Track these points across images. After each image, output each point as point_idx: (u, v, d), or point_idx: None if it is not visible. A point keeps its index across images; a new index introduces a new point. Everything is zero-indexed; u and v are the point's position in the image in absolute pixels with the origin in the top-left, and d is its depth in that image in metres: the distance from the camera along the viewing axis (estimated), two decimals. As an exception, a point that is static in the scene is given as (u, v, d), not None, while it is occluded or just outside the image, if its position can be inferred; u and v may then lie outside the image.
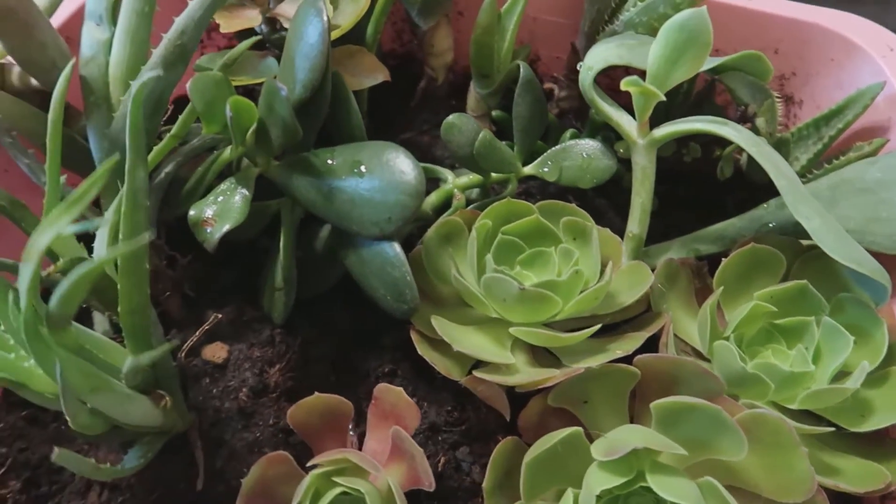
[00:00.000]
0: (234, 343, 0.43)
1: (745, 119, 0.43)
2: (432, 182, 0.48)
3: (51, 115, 0.31)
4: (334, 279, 0.44)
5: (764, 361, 0.38)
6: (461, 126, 0.42)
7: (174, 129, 0.37)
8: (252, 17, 0.43)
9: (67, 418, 0.30)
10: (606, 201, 0.51)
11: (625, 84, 0.38)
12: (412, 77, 0.55)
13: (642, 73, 0.40)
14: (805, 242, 0.42)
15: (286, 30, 0.45)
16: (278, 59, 0.46)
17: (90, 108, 0.38)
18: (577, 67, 0.42)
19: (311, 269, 0.44)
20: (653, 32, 0.45)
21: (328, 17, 0.36)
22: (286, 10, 0.44)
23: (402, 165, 0.36)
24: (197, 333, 0.41)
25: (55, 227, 0.24)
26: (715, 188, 0.50)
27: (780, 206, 0.44)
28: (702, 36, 0.37)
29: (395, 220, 0.36)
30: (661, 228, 0.49)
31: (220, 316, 0.42)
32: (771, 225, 0.44)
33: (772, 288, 0.40)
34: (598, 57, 0.41)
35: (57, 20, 0.44)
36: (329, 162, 0.38)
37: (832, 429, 0.36)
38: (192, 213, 0.38)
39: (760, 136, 0.43)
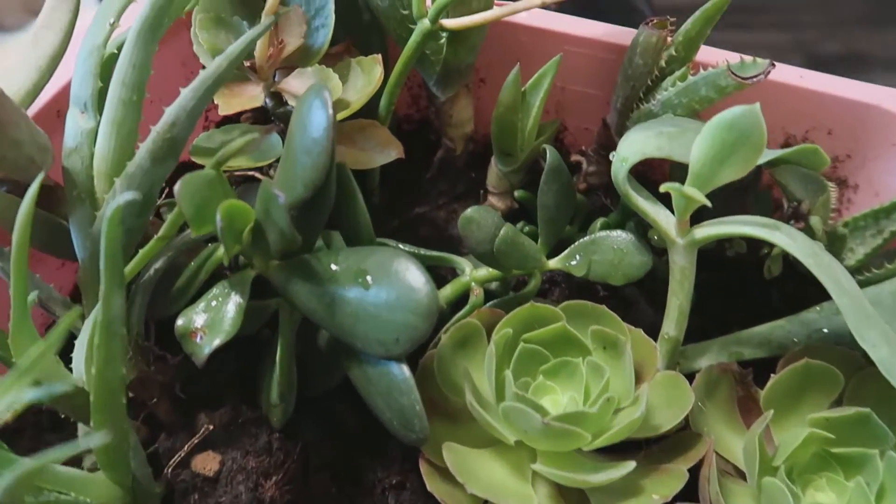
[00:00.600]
0: (228, 450, 0.39)
1: (797, 216, 0.39)
2: (449, 271, 0.44)
3: (15, 237, 0.27)
4: (339, 379, 0.40)
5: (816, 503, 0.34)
6: (480, 221, 0.38)
7: (162, 230, 0.33)
8: (254, 96, 0.40)
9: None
10: (638, 289, 0.46)
11: (664, 188, 0.34)
12: (429, 144, 0.52)
13: (683, 166, 0.35)
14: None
15: (291, 105, 0.42)
16: (283, 134, 0.43)
17: (73, 202, 0.35)
18: (610, 157, 0.38)
19: (314, 366, 0.41)
20: (693, 114, 0.41)
21: (333, 111, 0.33)
22: (292, 86, 0.41)
23: (413, 280, 0.32)
24: (185, 448, 0.38)
25: (6, 399, 0.21)
26: (759, 278, 0.46)
27: (836, 311, 0.39)
28: (754, 136, 0.32)
29: (403, 343, 0.32)
30: (699, 323, 0.44)
31: (211, 427, 0.38)
32: (824, 331, 0.40)
33: (828, 413, 0.35)
34: (634, 148, 0.37)
35: (45, 96, 0.40)
36: (332, 267, 0.34)
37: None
38: (179, 322, 0.34)
39: (816, 238, 0.38)
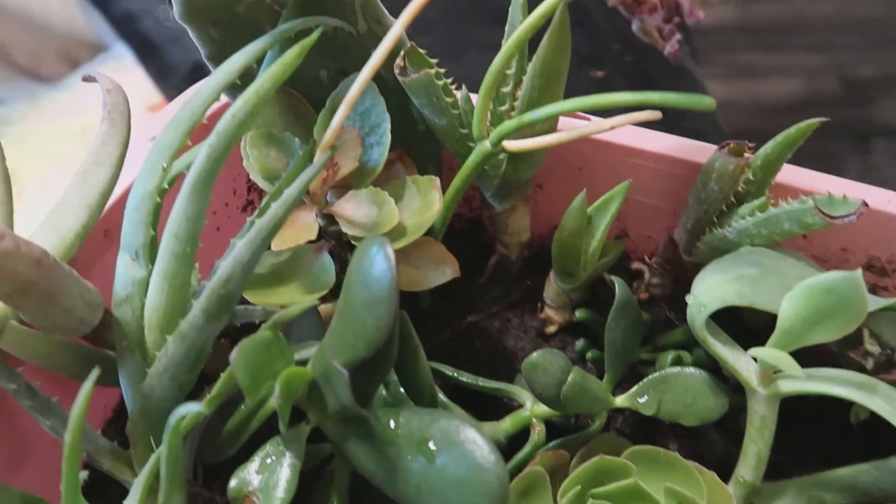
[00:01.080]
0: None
1: (890, 365, 0.36)
2: (507, 404, 0.42)
3: (68, 447, 0.25)
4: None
5: None
6: (546, 367, 0.35)
7: (214, 390, 0.32)
8: (308, 225, 0.38)
9: None
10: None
11: (753, 353, 0.31)
12: (481, 246, 0.50)
13: (767, 315, 0.33)
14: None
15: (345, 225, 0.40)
16: (333, 253, 0.41)
17: (122, 352, 0.33)
18: (687, 300, 0.36)
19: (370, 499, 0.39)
20: (772, 245, 0.38)
21: (396, 265, 0.31)
22: (346, 210, 0.39)
23: (482, 458, 0.29)
24: None
25: None
26: (841, 409, 0.43)
27: (930, 463, 0.37)
28: (854, 305, 0.30)
29: (472, 524, 0.30)
30: (775, 456, 0.41)
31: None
32: (916, 482, 0.37)
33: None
34: (713, 294, 0.35)
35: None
36: (391, 425, 0.32)
37: None
38: (233, 484, 0.32)
39: (912, 391, 0.35)
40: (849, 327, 0.30)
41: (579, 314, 0.44)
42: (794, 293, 0.31)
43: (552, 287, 0.45)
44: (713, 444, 0.42)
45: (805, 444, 0.42)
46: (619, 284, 0.37)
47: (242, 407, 0.36)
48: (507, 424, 0.40)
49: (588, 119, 0.43)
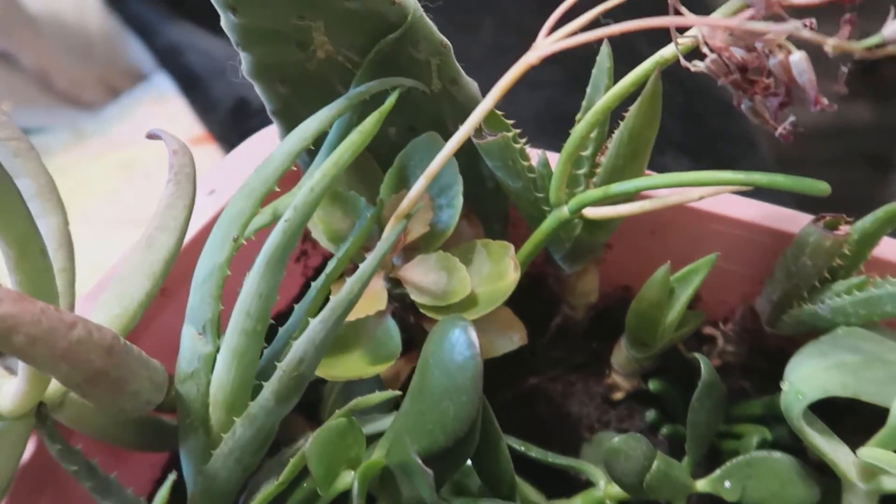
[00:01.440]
0: None
1: None
2: (577, 481, 0.40)
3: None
4: None
5: None
6: (629, 453, 0.33)
7: (282, 476, 0.30)
8: (377, 294, 0.36)
9: None
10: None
11: (861, 456, 0.29)
12: (544, 304, 0.47)
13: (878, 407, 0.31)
14: None
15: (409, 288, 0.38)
16: (395, 314, 0.40)
17: (185, 430, 0.32)
18: (782, 385, 0.33)
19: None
20: (869, 325, 0.36)
21: (479, 350, 0.29)
22: (413, 276, 0.37)
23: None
24: None
25: None
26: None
27: None
28: (982, 411, 0.27)
29: None
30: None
31: None
32: None
33: None
34: (813, 382, 0.32)
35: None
36: (471, 517, 0.30)
37: None
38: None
39: None
40: (972, 433, 0.28)
41: (653, 386, 0.42)
42: (911, 391, 0.29)
43: (622, 353, 0.42)
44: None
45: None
46: (704, 363, 0.35)
47: (304, 485, 0.34)
48: (578, 503, 0.38)
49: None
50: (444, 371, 0.30)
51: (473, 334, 0.30)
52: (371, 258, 0.32)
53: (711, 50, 0.28)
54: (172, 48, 0.85)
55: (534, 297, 0.48)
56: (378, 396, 0.30)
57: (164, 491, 0.25)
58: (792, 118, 0.27)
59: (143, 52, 0.93)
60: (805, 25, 0.26)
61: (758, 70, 0.27)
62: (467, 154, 0.40)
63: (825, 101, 0.25)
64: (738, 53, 0.27)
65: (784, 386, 0.33)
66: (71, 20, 1.02)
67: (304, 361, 0.30)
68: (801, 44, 0.25)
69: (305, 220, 0.30)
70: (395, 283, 0.39)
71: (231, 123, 0.62)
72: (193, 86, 0.80)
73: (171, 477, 0.25)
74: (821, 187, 0.28)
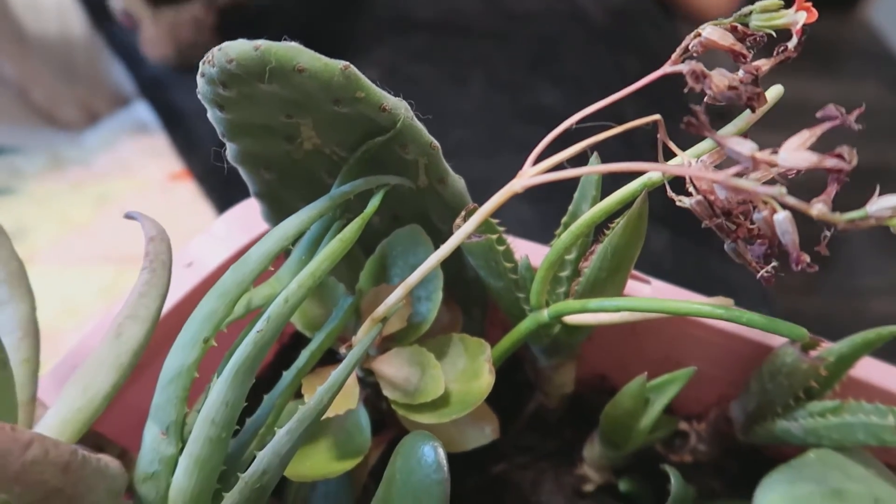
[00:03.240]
0: None
1: None
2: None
3: None
4: None
5: None
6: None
7: (240, 591, 0.29)
8: (349, 392, 0.36)
9: None
10: None
11: None
12: (519, 386, 0.47)
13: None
14: None
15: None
16: (367, 401, 0.39)
17: (142, 536, 0.31)
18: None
19: None
20: (841, 449, 0.36)
21: (448, 472, 0.28)
22: (386, 370, 0.36)
23: None
24: None
25: None
26: None
27: None
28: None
29: None
30: None
31: None
32: None
33: None
34: (784, 513, 0.32)
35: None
36: None
37: None
38: None
39: None
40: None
41: (623, 486, 0.41)
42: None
43: (595, 449, 0.42)
44: None
45: None
46: (674, 477, 0.35)
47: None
48: None
49: (649, 282, 0.41)
50: (409, 490, 0.29)
51: (443, 454, 0.29)
52: (344, 365, 0.31)
53: (697, 191, 0.28)
54: (157, 80, 0.83)
55: (509, 380, 0.48)
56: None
57: None
58: (774, 263, 0.27)
59: (126, 79, 0.92)
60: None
61: (742, 215, 0.27)
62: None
63: (807, 259, 0.25)
64: (723, 197, 0.27)
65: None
66: (56, 37, 1.01)
67: (267, 473, 0.29)
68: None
69: (278, 330, 0.29)
70: (368, 372, 0.39)
71: (211, 163, 0.61)
72: (175, 121, 0.79)
73: None
74: (798, 333, 0.28)
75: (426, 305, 0.38)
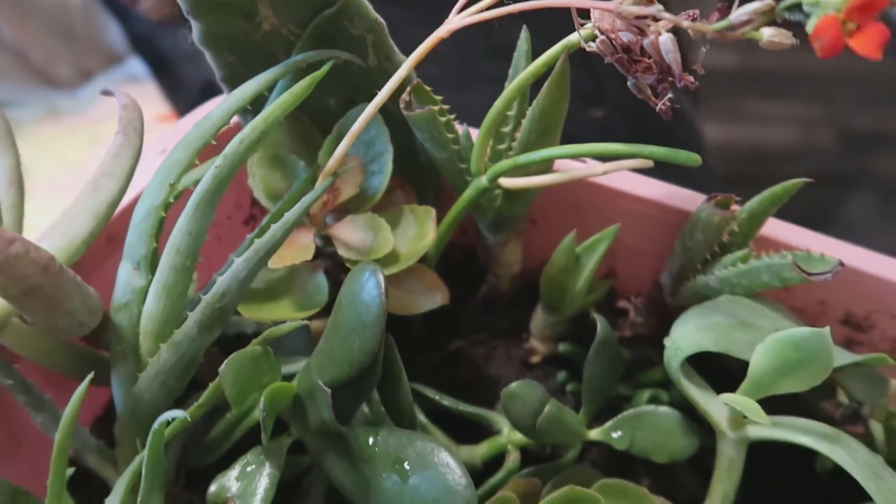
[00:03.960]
0: None
1: (855, 417, 0.37)
2: (485, 429, 0.43)
3: (56, 444, 0.27)
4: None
5: None
6: (524, 397, 0.37)
7: (202, 398, 0.33)
8: (305, 246, 0.39)
9: None
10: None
11: (723, 399, 0.33)
12: (475, 275, 0.51)
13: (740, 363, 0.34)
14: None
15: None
16: (329, 272, 0.43)
17: (116, 356, 0.35)
18: (665, 343, 0.37)
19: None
20: (752, 295, 0.40)
21: (385, 291, 0.32)
22: (343, 234, 0.40)
23: (454, 480, 0.31)
24: None
25: None
26: (811, 458, 0.44)
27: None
28: (821, 360, 0.31)
29: (439, 544, 0.31)
30: (743, 501, 0.43)
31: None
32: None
33: None
34: (690, 339, 0.36)
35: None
36: (369, 443, 0.33)
37: None
38: (213, 489, 0.34)
39: (876, 445, 0.36)
40: (815, 380, 0.32)
41: (562, 347, 0.45)
42: (765, 345, 0.32)
43: (539, 319, 0.46)
44: (684, 485, 0.43)
45: (774, 492, 0.43)
46: (600, 322, 0.39)
47: (228, 416, 0.37)
48: (483, 449, 0.41)
49: (584, 162, 0.45)
50: (353, 309, 0.33)
51: (381, 277, 0.33)
52: (297, 207, 0.35)
53: (601, 32, 0.31)
54: (148, 34, 0.88)
55: (466, 269, 0.52)
56: (288, 326, 0.33)
57: (81, 388, 0.28)
58: (670, 95, 0.31)
59: (119, 36, 0.96)
60: (688, 16, 0.29)
61: (640, 51, 0.31)
62: (403, 130, 0.43)
63: (690, 78, 0.29)
64: (624, 37, 0.31)
65: (666, 342, 0.37)
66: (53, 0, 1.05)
67: (226, 295, 0.33)
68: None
69: (234, 167, 0.33)
70: (327, 242, 0.42)
71: (197, 103, 0.65)
72: (164, 68, 0.83)
73: (90, 376, 0.28)
74: (693, 158, 0.32)
75: (378, 178, 0.42)
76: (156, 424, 0.26)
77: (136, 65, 0.95)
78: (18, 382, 0.33)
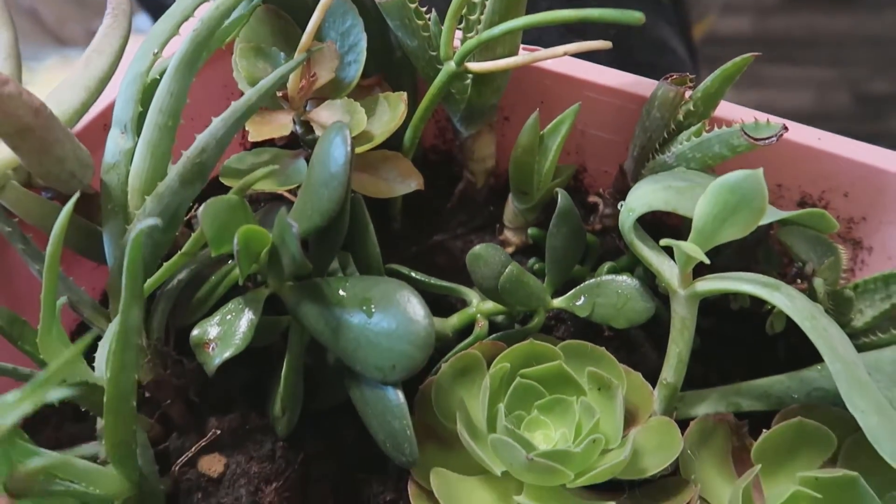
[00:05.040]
0: (234, 454, 0.41)
1: (801, 276, 0.39)
2: (458, 302, 0.46)
3: (49, 250, 0.30)
4: (345, 396, 0.42)
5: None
6: (487, 258, 0.39)
7: (185, 246, 0.36)
8: (284, 125, 0.42)
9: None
10: (644, 332, 0.47)
11: (665, 242, 0.35)
12: (452, 176, 0.53)
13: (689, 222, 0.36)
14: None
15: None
16: (307, 159, 0.45)
17: (107, 214, 0.38)
18: (619, 206, 0.39)
19: (321, 380, 0.42)
20: (706, 169, 0.42)
21: (352, 148, 0.35)
22: (321, 116, 0.43)
23: (413, 312, 0.33)
24: (192, 449, 0.40)
25: (20, 410, 0.23)
26: (765, 329, 0.46)
27: (836, 373, 0.40)
28: (755, 201, 0.33)
29: (400, 370, 0.33)
30: (701, 370, 0.45)
31: (218, 432, 0.40)
32: (824, 389, 0.40)
33: (817, 473, 0.36)
34: (642, 200, 0.38)
35: (93, 111, 0.43)
36: (340, 293, 0.36)
37: None
38: (195, 332, 0.36)
39: (818, 299, 0.39)
40: (752, 223, 0.34)
41: (531, 231, 0.47)
42: (707, 193, 0.34)
43: (510, 208, 0.48)
44: (646, 357, 0.45)
45: (729, 362, 0.46)
46: (561, 195, 0.41)
47: (212, 279, 0.40)
48: (454, 321, 0.43)
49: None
50: (322, 164, 0.36)
51: (347, 133, 0.35)
52: (272, 76, 0.37)
53: None
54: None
55: (444, 171, 0.54)
56: (262, 172, 0.36)
57: (69, 205, 0.30)
58: None
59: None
60: None
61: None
62: (380, 27, 0.46)
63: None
64: None
65: (620, 206, 0.39)
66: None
67: (205, 151, 0.36)
68: None
69: (212, 31, 0.36)
70: (307, 130, 0.45)
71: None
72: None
73: (76, 196, 0.31)
74: (635, 17, 0.34)
75: (354, 67, 0.44)
76: (130, 235, 0.29)
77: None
78: (17, 232, 0.36)
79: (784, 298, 0.35)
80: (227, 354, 0.35)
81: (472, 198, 0.52)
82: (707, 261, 0.34)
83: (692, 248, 0.34)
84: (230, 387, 0.44)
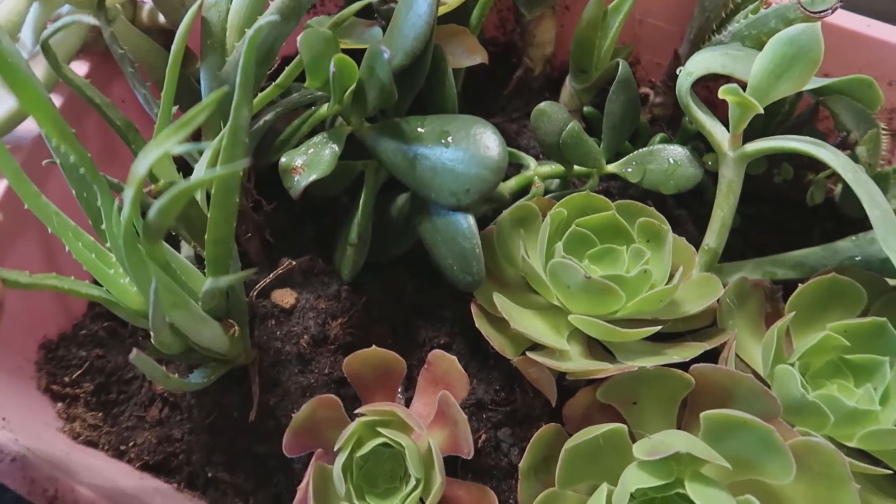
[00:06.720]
0: (303, 291, 0.44)
1: (844, 146, 0.42)
2: (514, 168, 0.49)
3: (173, 48, 0.33)
4: (405, 247, 0.46)
5: (826, 393, 0.37)
6: (551, 114, 0.42)
7: (279, 79, 0.39)
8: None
9: (151, 333, 0.32)
10: (687, 212, 0.50)
11: (723, 92, 0.37)
12: (510, 66, 0.56)
13: (744, 86, 0.39)
14: (892, 282, 0.41)
15: (395, 2, 0.46)
16: (384, 30, 0.48)
17: (206, 50, 0.41)
18: (677, 72, 0.42)
19: (384, 234, 0.46)
20: (760, 46, 0.44)
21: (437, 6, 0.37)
22: None
23: (488, 141, 0.36)
24: (270, 276, 0.43)
25: (164, 146, 0.26)
26: (803, 215, 0.49)
27: (870, 241, 0.42)
28: (811, 52, 0.36)
29: (473, 193, 0.37)
30: (740, 248, 0.48)
31: (293, 263, 0.44)
32: (857, 259, 0.43)
33: (847, 321, 0.38)
34: (700, 64, 0.41)
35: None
36: (418, 129, 0.39)
37: (889, 471, 0.34)
38: (283, 160, 0.40)
39: (859, 164, 0.41)
40: (807, 76, 0.36)
41: (587, 110, 0.50)
42: (764, 49, 0.37)
43: (567, 90, 0.51)
44: (687, 234, 0.48)
45: (767, 241, 0.48)
46: (622, 64, 0.44)
47: (295, 122, 0.43)
48: (511, 183, 0.46)
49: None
50: (408, 7, 0.39)
51: (435, -7, 0.38)
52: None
53: None
54: None
55: (503, 61, 0.57)
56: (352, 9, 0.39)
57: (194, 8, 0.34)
58: None
59: None
60: None
61: None
62: None
63: None
64: None
65: (678, 71, 0.42)
66: None
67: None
68: None
69: None
70: (383, 0, 0.48)
71: None
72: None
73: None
74: None
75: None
76: (249, 33, 0.32)
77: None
78: (126, 56, 0.39)
79: (829, 154, 0.37)
80: (313, 177, 0.38)
81: (529, 84, 0.54)
82: (762, 110, 0.37)
83: (750, 99, 0.37)
84: (301, 236, 0.48)
